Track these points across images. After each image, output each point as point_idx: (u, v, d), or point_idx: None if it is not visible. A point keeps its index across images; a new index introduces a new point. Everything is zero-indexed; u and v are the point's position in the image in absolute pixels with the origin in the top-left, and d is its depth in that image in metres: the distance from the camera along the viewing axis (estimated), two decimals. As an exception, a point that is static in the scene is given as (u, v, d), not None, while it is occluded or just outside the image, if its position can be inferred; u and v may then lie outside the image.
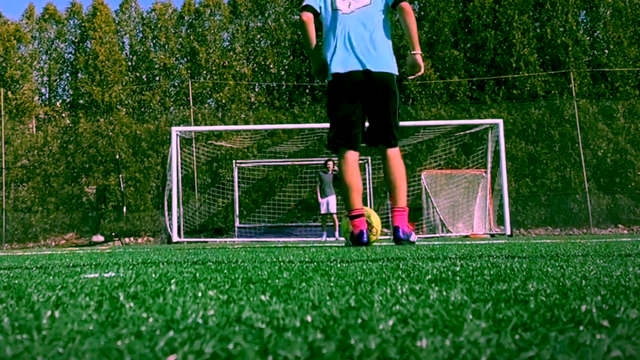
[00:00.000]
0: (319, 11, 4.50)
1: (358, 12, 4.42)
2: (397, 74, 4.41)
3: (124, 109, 14.74)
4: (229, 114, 14.38)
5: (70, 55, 15.57)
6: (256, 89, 14.94)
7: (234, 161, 13.40)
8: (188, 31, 15.43)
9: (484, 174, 11.70)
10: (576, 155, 13.26)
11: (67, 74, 15.52)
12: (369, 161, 12.95)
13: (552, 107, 13.68)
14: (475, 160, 12.41)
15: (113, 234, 13.44)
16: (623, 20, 14.29)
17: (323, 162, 11.68)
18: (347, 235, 4.68)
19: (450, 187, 12.12)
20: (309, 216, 13.15)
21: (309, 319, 0.68)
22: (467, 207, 11.92)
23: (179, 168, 11.21)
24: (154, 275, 1.44)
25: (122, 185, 13.69)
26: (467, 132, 12.37)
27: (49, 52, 15.47)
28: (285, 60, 14.94)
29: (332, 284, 1.11)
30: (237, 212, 13.04)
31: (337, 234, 10.81)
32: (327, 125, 4.68)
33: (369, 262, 1.86)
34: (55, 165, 14.15)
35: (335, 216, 11.04)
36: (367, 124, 4.58)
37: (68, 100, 15.33)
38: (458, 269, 1.47)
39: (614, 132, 13.48)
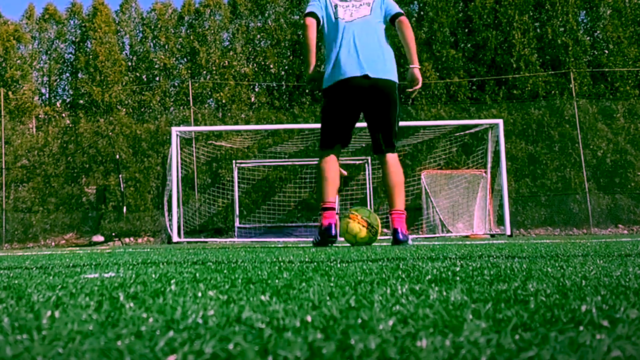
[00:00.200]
0: (321, 20, 4.54)
1: (359, 21, 4.47)
2: (398, 82, 4.45)
3: (124, 109, 14.74)
4: (229, 114, 14.38)
5: (70, 55, 15.57)
6: (256, 89, 14.94)
7: (234, 161, 13.40)
8: (188, 31, 15.43)
9: (484, 174, 11.70)
10: (576, 155, 13.26)
11: (67, 74, 15.51)
12: (369, 161, 12.96)
13: (552, 107, 13.68)
14: (475, 160, 12.41)
15: (113, 234, 13.44)
16: (623, 20, 14.29)
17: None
18: (347, 235, 4.70)
19: (450, 187, 12.12)
20: (309, 216, 13.15)
21: (309, 319, 0.68)
22: (467, 207, 11.91)
23: (179, 168, 11.20)
24: (154, 276, 1.44)
25: (122, 186, 13.69)
26: (467, 132, 12.37)
27: (49, 52, 15.46)
28: (285, 60, 14.94)
29: (332, 284, 1.11)
30: (237, 212, 13.04)
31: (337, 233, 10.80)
32: (320, 116, 4.75)
33: (369, 262, 1.86)
34: (55, 165, 14.15)
35: (336, 216, 11.03)
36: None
37: (68, 100, 15.32)
38: (458, 269, 1.47)
39: (614, 132, 13.48)
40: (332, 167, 4.48)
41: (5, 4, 32.48)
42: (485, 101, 13.84)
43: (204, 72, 14.91)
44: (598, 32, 14.48)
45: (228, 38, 15.37)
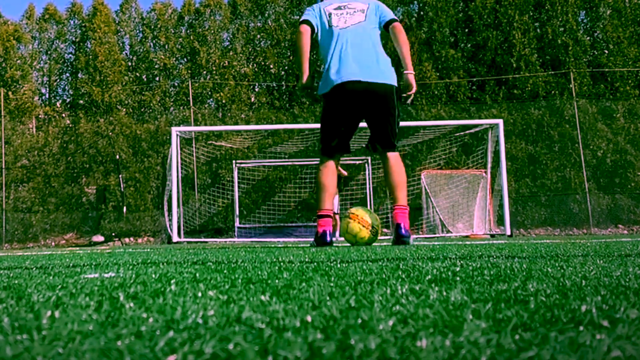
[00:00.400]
0: (316, 29, 4.58)
1: (354, 27, 4.52)
2: (397, 85, 4.48)
3: (124, 109, 14.74)
4: (229, 114, 14.38)
5: (70, 55, 15.57)
6: (256, 89, 14.94)
7: (234, 161, 13.40)
8: (188, 31, 15.43)
9: (484, 174, 11.70)
10: (576, 155, 13.26)
11: (67, 74, 15.51)
12: (369, 161, 12.96)
13: (552, 107, 13.68)
14: (475, 160, 12.41)
15: (113, 234, 13.44)
16: (623, 20, 14.29)
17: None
18: (347, 235, 4.71)
19: (450, 187, 12.12)
20: (309, 216, 13.15)
21: (309, 319, 0.68)
22: (467, 207, 11.91)
23: (179, 168, 11.20)
24: (154, 276, 1.44)
25: (122, 186, 13.69)
26: (467, 132, 12.37)
27: (49, 52, 15.46)
28: (285, 61, 14.94)
29: (332, 284, 1.11)
30: (237, 213, 13.04)
31: (337, 233, 10.81)
32: (320, 122, 4.80)
33: (369, 262, 1.86)
34: (55, 165, 14.15)
35: (337, 216, 11.03)
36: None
37: (68, 100, 15.33)
38: (458, 269, 1.47)
39: (614, 132, 13.48)
40: (330, 176, 4.55)
41: (5, 4, 32.48)
42: (485, 101, 13.84)
43: (204, 72, 14.91)
44: (598, 32, 14.48)
45: (228, 38, 15.37)
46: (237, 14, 15.36)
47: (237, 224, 12.89)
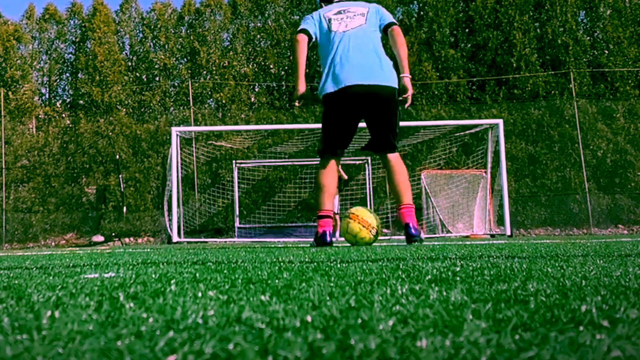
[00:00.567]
0: (313, 37, 4.59)
1: (354, 31, 4.53)
2: (398, 87, 4.50)
3: (124, 109, 14.74)
4: (229, 114, 14.38)
5: (70, 55, 15.57)
6: (256, 89, 14.94)
7: (234, 161, 13.40)
8: (188, 31, 15.43)
9: (484, 174, 11.70)
10: (576, 155, 13.26)
11: (67, 74, 15.52)
12: (369, 161, 12.96)
13: (552, 107, 13.68)
14: (475, 160, 12.41)
15: (113, 234, 13.44)
16: (623, 20, 14.28)
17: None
18: (347, 235, 4.71)
19: (450, 187, 12.12)
20: (309, 216, 13.15)
21: (309, 319, 0.68)
22: (467, 207, 11.91)
23: (179, 168, 11.20)
24: (154, 276, 1.44)
25: (122, 186, 13.69)
26: (467, 132, 12.37)
27: (49, 52, 15.46)
28: (285, 61, 14.94)
29: (332, 284, 1.11)
30: (237, 213, 13.04)
31: (337, 234, 10.81)
32: (321, 125, 4.81)
33: (369, 262, 1.86)
34: (55, 165, 14.15)
35: (337, 216, 11.03)
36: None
37: (68, 100, 15.33)
38: (458, 269, 1.47)
39: (614, 132, 13.47)
40: (330, 176, 4.55)
41: (5, 4, 32.48)
42: (486, 101, 13.84)
43: (204, 72, 14.91)
44: (598, 32, 14.48)
45: (228, 38, 15.37)
46: (237, 14, 15.36)
47: (237, 224, 12.89)
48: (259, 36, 15.18)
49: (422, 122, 12.42)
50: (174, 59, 15.17)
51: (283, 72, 14.98)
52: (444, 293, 0.92)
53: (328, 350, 0.51)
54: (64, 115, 14.97)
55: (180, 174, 11.40)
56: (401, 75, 4.52)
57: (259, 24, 15.26)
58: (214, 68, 14.91)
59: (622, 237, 7.45)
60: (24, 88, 14.74)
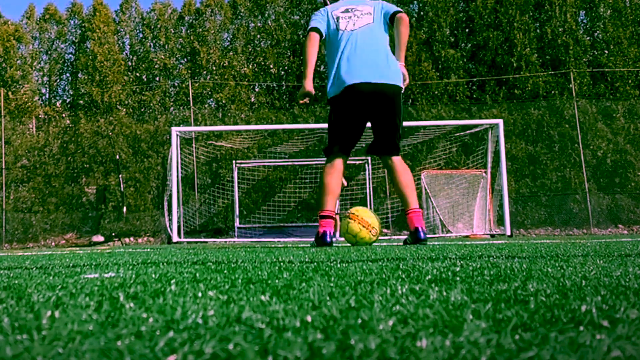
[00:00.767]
0: (324, 35, 4.58)
1: (362, 30, 4.52)
2: (403, 86, 4.50)
3: (124, 109, 14.74)
4: (229, 114, 14.38)
5: (70, 55, 15.58)
6: (256, 89, 14.94)
7: (234, 161, 13.40)
8: (188, 31, 15.43)
9: (484, 174, 11.70)
10: (576, 155, 13.26)
11: (67, 74, 15.52)
12: (369, 161, 12.96)
13: (552, 107, 13.68)
14: (475, 160, 12.41)
15: (113, 234, 13.44)
16: (623, 20, 14.29)
17: (323, 162, 11.68)
18: (347, 235, 4.71)
19: (450, 187, 12.12)
20: (309, 216, 13.15)
21: (309, 319, 0.68)
22: (467, 207, 11.91)
23: (179, 168, 11.20)
24: (154, 276, 1.44)
25: (122, 186, 13.69)
26: (467, 132, 12.37)
27: (49, 52, 15.47)
28: (285, 61, 14.94)
29: (332, 284, 1.11)
30: (237, 213, 13.04)
31: (337, 234, 10.82)
32: (327, 125, 4.77)
33: (369, 262, 1.86)
34: (55, 165, 14.15)
35: (337, 216, 11.03)
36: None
37: (68, 100, 15.33)
38: (458, 269, 1.47)
39: (614, 132, 13.47)
40: (336, 177, 4.54)
41: (5, 4, 32.48)
42: (486, 101, 13.84)
43: (204, 72, 14.91)
44: (598, 32, 14.48)
45: (228, 38, 15.37)
46: (237, 14, 15.36)
47: (237, 224, 12.89)
48: (259, 36, 15.18)
49: (422, 122, 12.42)
50: (174, 59, 15.17)
51: (283, 72, 14.98)
52: (444, 293, 0.92)
53: (328, 350, 0.51)
54: (64, 115, 14.97)
55: (180, 174, 11.40)
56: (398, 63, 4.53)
57: (259, 24, 15.26)
58: (214, 68, 14.91)
59: (622, 237, 7.45)
60: (24, 88, 14.74)
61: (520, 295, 0.89)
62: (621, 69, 13.88)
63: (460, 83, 13.96)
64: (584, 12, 14.75)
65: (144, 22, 15.49)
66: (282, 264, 1.89)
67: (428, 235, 11.11)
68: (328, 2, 4.89)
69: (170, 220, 10.58)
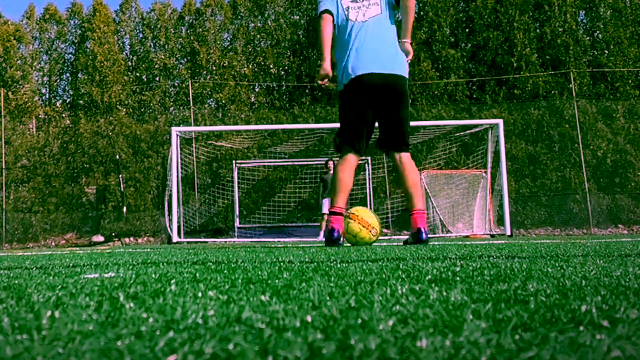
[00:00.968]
0: (334, 18, 4.58)
1: (371, 20, 4.52)
2: (407, 62, 4.51)
3: (124, 109, 14.74)
4: (229, 114, 14.38)
5: (70, 55, 15.58)
6: (256, 89, 14.94)
7: (234, 161, 13.40)
8: (188, 31, 15.43)
9: (484, 174, 11.70)
10: (576, 155, 13.26)
11: (67, 74, 15.52)
12: (369, 161, 12.95)
13: (552, 107, 13.68)
14: (475, 160, 12.41)
15: (113, 234, 13.44)
16: (623, 20, 14.29)
17: (323, 162, 11.70)
18: (347, 235, 4.71)
19: (450, 187, 12.12)
20: (309, 217, 13.15)
21: (309, 319, 0.68)
22: (467, 207, 11.92)
23: (179, 168, 11.20)
24: (154, 276, 1.44)
25: (122, 186, 13.69)
26: (467, 132, 12.37)
27: (49, 52, 15.47)
28: (285, 61, 14.94)
29: (332, 284, 1.11)
30: (237, 213, 13.04)
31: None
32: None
33: (369, 262, 1.86)
34: (55, 165, 14.15)
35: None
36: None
37: (68, 100, 15.33)
38: (458, 269, 1.47)
39: (614, 132, 13.48)
40: (348, 173, 4.53)
41: (6, 4, 32.49)
42: (486, 101, 13.84)
43: (204, 72, 14.91)
44: (598, 32, 14.49)
45: (228, 38, 15.38)
46: (237, 14, 15.36)
47: (237, 224, 12.89)
48: (258, 36, 15.18)
49: (422, 122, 12.42)
50: (174, 59, 15.17)
51: (283, 72, 14.98)
52: (444, 293, 0.92)
53: (328, 350, 0.51)
54: (64, 115, 14.97)
55: (180, 174, 11.40)
56: (402, 40, 4.52)
57: (259, 24, 15.27)
58: (214, 68, 14.91)
59: (622, 237, 7.45)
60: (24, 88, 14.74)
61: (520, 295, 0.89)
62: (621, 69, 13.88)
63: (460, 83, 13.96)
64: (584, 12, 14.75)
65: (144, 22, 15.49)
66: (282, 264, 1.89)
67: (428, 235, 11.15)
68: None
69: (170, 220, 10.58)
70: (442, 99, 13.93)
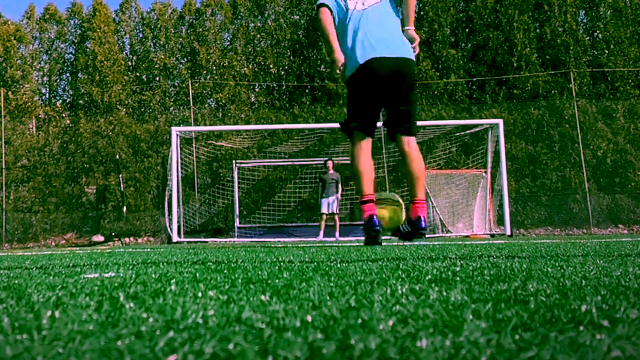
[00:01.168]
0: (333, 10, 4.57)
1: (371, 8, 4.52)
2: (414, 52, 4.48)
3: (124, 109, 14.74)
4: (229, 114, 14.38)
5: (70, 55, 15.58)
6: (256, 89, 14.94)
7: (234, 161, 13.40)
8: (188, 31, 15.43)
9: (484, 174, 11.70)
10: (576, 155, 13.26)
11: (67, 74, 15.52)
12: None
13: (552, 107, 13.68)
14: (475, 160, 12.41)
15: (113, 234, 13.44)
16: (623, 20, 14.28)
17: (322, 162, 11.70)
18: (390, 221, 4.55)
19: (450, 187, 12.12)
20: (309, 216, 13.15)
21: (309, 319, 0.68)
22: (467, 207, 11.91)
23: (179, 168, 11.20)
24: (154, 276, 1.44)
25: (122, 185, 13.69)
26: (467, 132, 12.37)
27: (49, 52, 15.47)
28: (285, 60, 14.94)
29: (332, 284, 1.11)
30: (237, 212, 13.04)
31: (337, 234, 10.82)
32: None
33: (369, 262, 1.86)
34: (55, 165, 14.15)
35: (336, 217, 11.05)
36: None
37: (68, 100, 15.33)
38: (458, 269, 1.47)
39: (614, 132, 13.47)
40: (366, 159, 4.43)
41: (6, 4, 32.48)
42: (486, 101, 13.84)
43: (204, 72, 14.91)
44: (598, 32, 14.48)
45: (228, 38, 15.38)
46: (237, 14, 15.36)
47: (237, 224, 12.89)
48: (258, 36, 15.18)
49: (422, 122, 12.40)
50: (174, 58, 15.17)
51: (283, 72, 14.98)
52: (444, 293, 0.92)
53: (328, 350, 0.51)
54: (64, 115, 14.97)
55: (180, 174, 11.40)
56: (406, 28, 4.51)
57: (259, 24, 15.26)
58: (214, 68, 14.91)
59: (622, 237, 7.45)
60: (24, 88, 14.74)
61: (520, 295, 0.89)
62: (621, 68, 13.88)
63: (460, 83, 13.96)
64: (584, 11, 14.75)
65: (144, 22, 15.49)
66: (282, 263, 1.89)
67: (428, 235, 11.16)
68: None
69: (170, 220, 10.58)
70: (442, 98, 13.93)
